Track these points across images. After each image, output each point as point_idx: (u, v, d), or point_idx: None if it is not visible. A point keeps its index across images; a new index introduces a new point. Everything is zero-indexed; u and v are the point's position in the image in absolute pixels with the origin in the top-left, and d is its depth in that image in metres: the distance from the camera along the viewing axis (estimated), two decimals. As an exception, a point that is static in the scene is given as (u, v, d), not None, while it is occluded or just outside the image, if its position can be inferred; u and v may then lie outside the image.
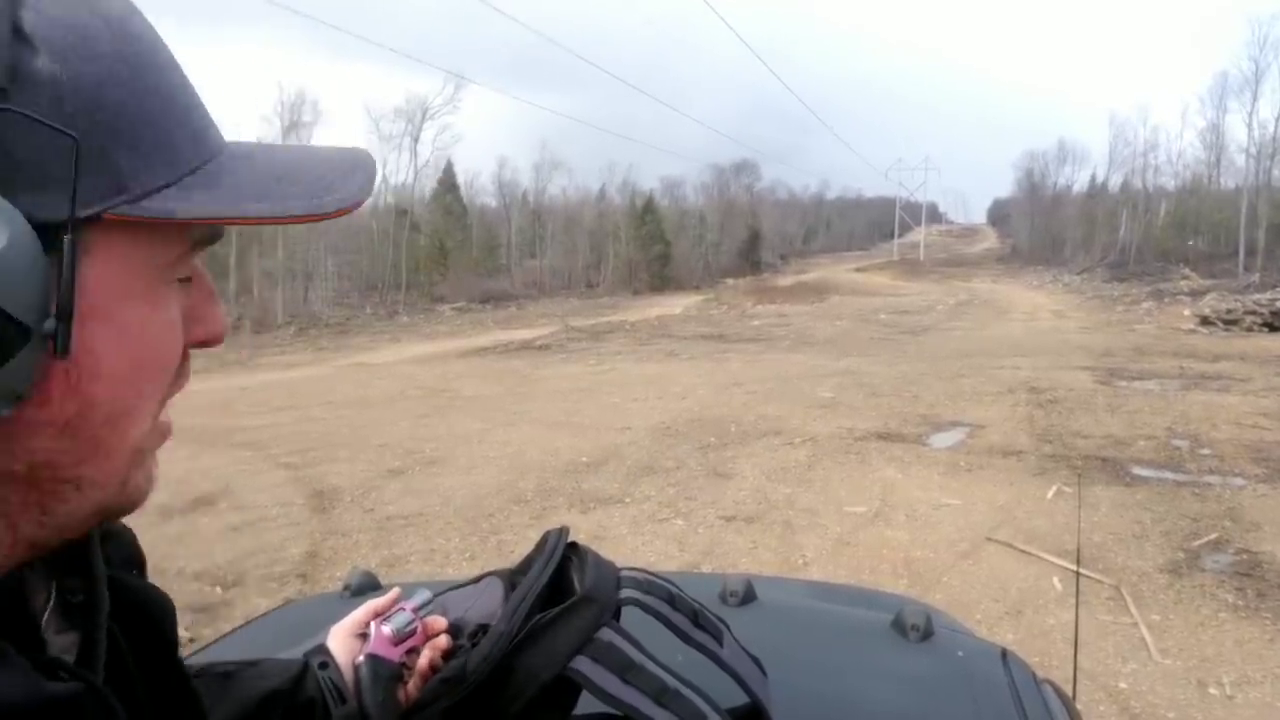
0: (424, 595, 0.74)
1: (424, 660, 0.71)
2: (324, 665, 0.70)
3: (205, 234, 0.41)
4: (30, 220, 0.32)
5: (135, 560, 0.52)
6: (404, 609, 0.72)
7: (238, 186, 0.39)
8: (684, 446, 7.11)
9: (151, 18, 0.40)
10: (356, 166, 0.42)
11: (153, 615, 0.50)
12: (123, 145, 0.36)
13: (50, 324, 0.33)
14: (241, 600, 4.16)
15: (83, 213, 0.34)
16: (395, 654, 0.70)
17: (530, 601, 0.68)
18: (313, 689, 0.67)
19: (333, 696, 0.68)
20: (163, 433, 0.42)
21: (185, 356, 0.42)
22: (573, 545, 0.75)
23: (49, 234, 0.33)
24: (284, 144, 0.45)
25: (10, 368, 0.33)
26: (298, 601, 1.68)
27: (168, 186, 0.37)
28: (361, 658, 0.69)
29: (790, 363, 12.70)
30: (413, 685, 0.70)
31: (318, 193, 0.40)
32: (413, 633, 0.71)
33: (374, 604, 0.74)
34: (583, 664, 0.64)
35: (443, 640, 0.72)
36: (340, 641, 0.72)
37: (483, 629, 0.69)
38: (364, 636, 0.71)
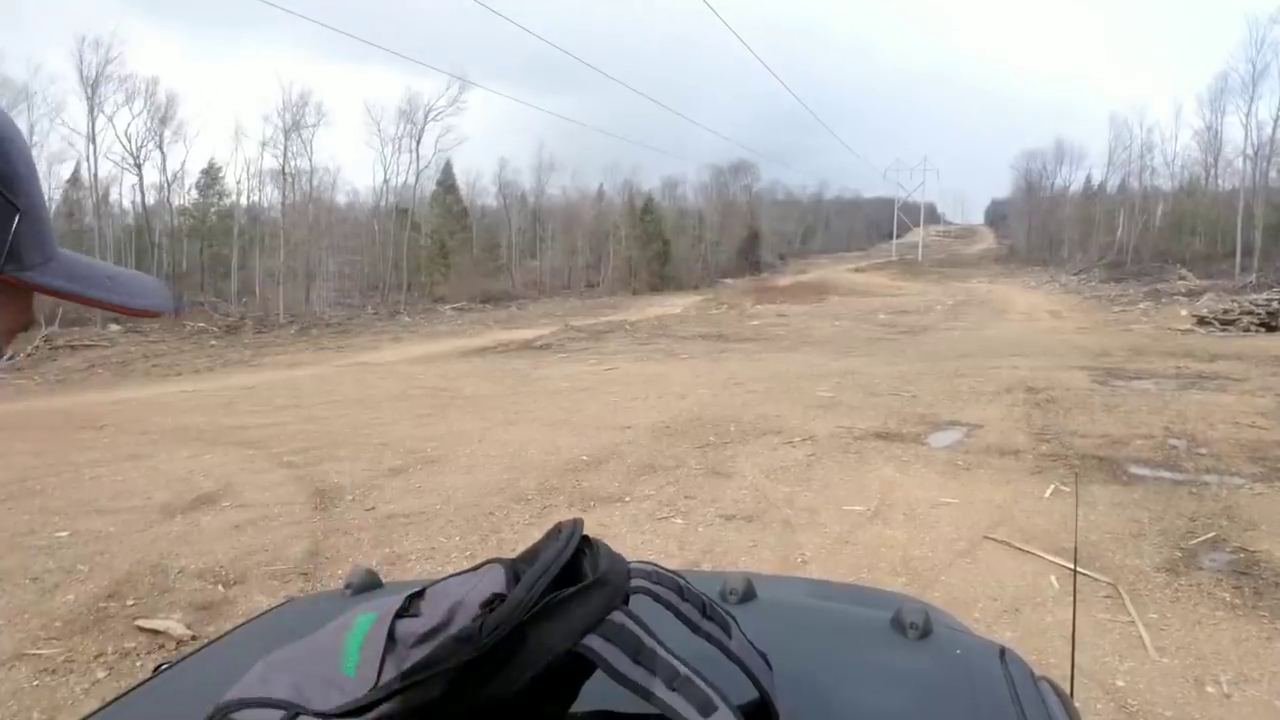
0: None
1: None
2: None
3: (28, 310, 0.51)
4: None
5: None
6: None
7: (86, 278, 0.51)
8: (684, 445, 7.12)
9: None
10: (159, 289, 0.55)
11: None
12: (27, 226, 0.46)
13: None
14: (243, 598, 4.17)
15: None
16: None
17: (547, 580, 0.69)
18: None
19: None
20: None
21: None
22: (585, 537, 0.76)
23: None
24: (95, 260, 0.56)
25: None
26: (299, 599, 1.68)
27: (43, 264, 0.48)
28: None
29: (789, 362, 12.71)
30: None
31: (137, 295, 0.53)
32: None
33: None
34: (595, 642, 0.65)
35: None
36: None
37: (499, 597, 0.70)
38: None
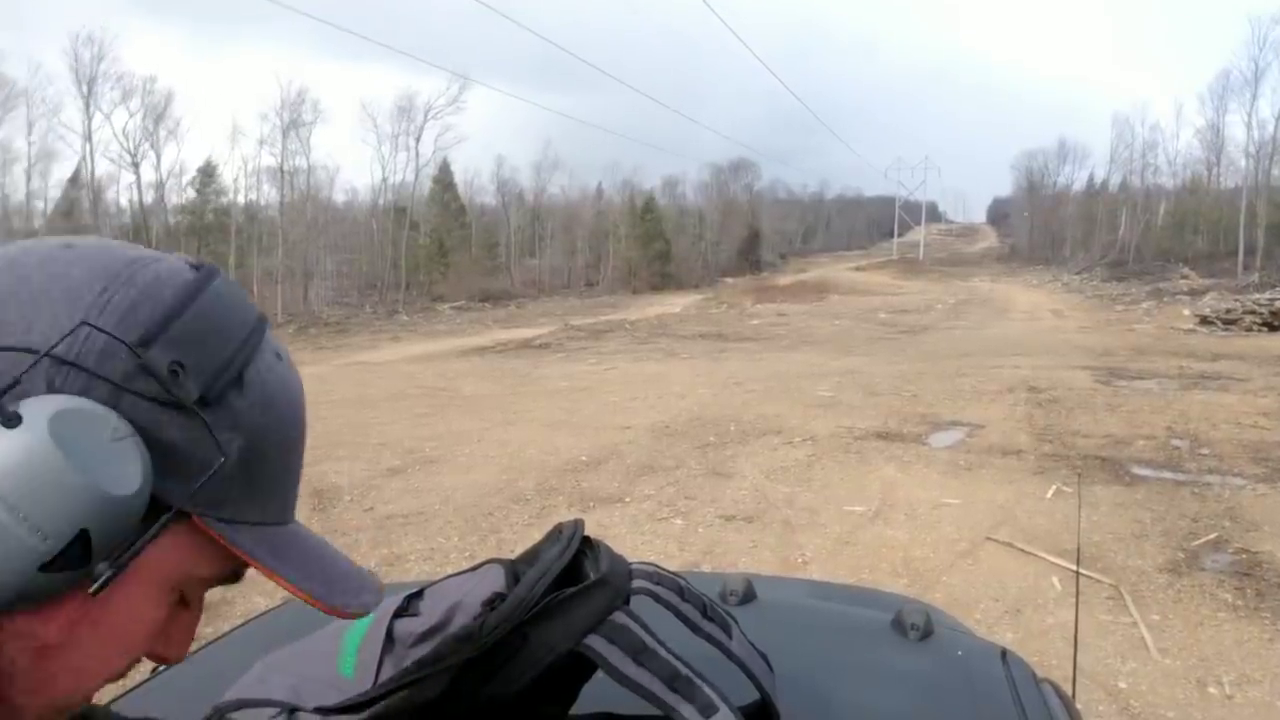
0: None
1: None
2: None
3: (229, 574, 0.47)
4: (152, 491, 0.40)
5: None
6: None
7: (285, 552, 0.46)
8: (683, 445, 7.11)
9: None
10: (371, 590, 0.50)
11: None
12: (243, 481, 0.43)
13: (104, 568, 0.39)
14: (242, 599, 4.15)
15: (188, 508, 0.41)
16: None
17: (549, 579, 0.68)
18: None
19: None
20: (67, 710, 0.45)
21: (138, 659, 0.46)
22: (586, 538, 0.76)
23: (154, 506, 0.40)
24: (337, 549, 0.52)
25: (54, 578, 0.38)
26: (298, 600, 1.68)
27: (250, 525, 0.45)
28: None
29: (789, 362, 12.70)
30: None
31: (338, 590, 0.48)
32: None
33: None
34: (596, 642, 0.65)
35: None
36: None
37: (500, 597, 0.69)
38: None
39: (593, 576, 0.69)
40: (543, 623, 0.66)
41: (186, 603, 0.47)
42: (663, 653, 0.66)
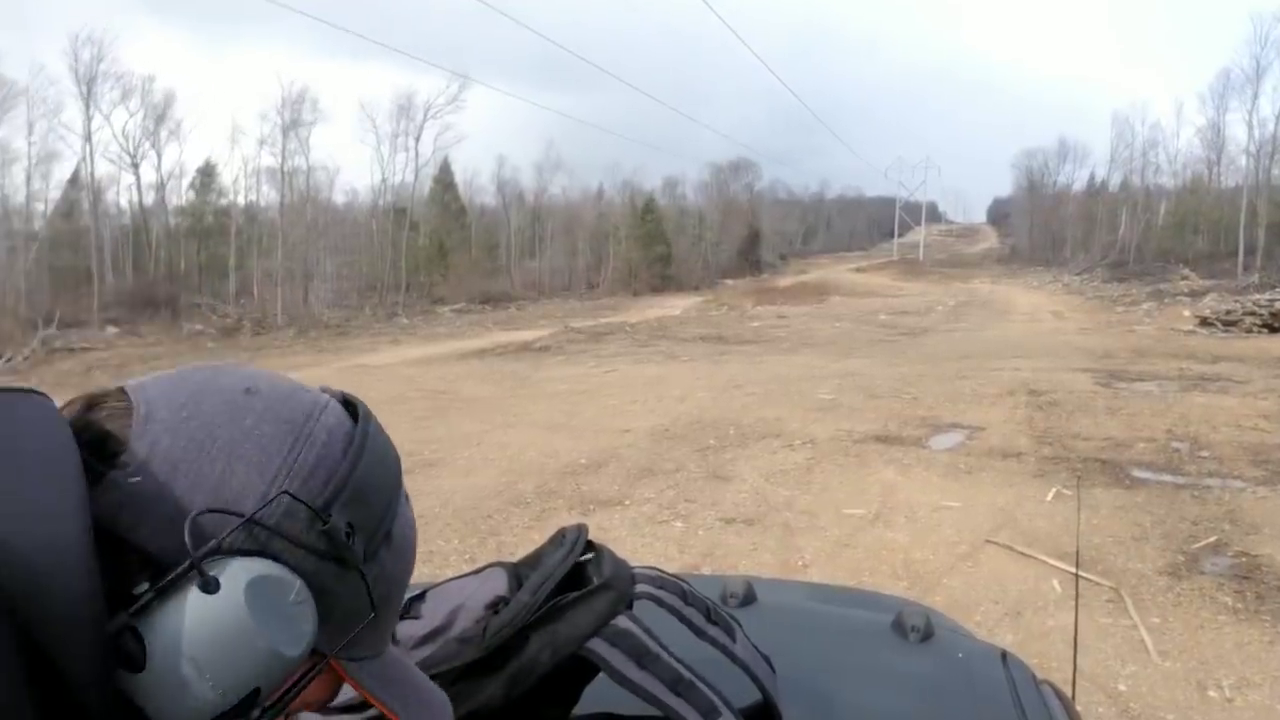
0: None
1: None
2: None
3: (335, 691, 0.51)
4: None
5: None
6: None
7: (389, 684, 0.50)
8: (683, 449, 7.11)
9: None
10: (442, 711, 0.54)
11: None
12: (373, 624, 0.46)
13: (258, 712, 0.41)
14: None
15: (336, 653, 0.45)
16: None
17: (553, 583, 0.68)
18: None
19: None
20: None
21: None
22: (589, 542, 0.76)
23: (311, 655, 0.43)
24: (409, 665, 0.55)
25: None
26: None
27: (369, 660, 0.49)
28: None
29: (789, 364, 12.70)
30: None
31: (423, 716, 0.51)
32: None
33: None
34: (599, 646, 0.65)
35: None
36: None
37: (503, 600, 0.69)
38: None
39: (596, 581, 0.69)
40: (546, 626, 0.66)
41: None
42: (665, 656, 0.66)
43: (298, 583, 0.41)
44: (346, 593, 0.43)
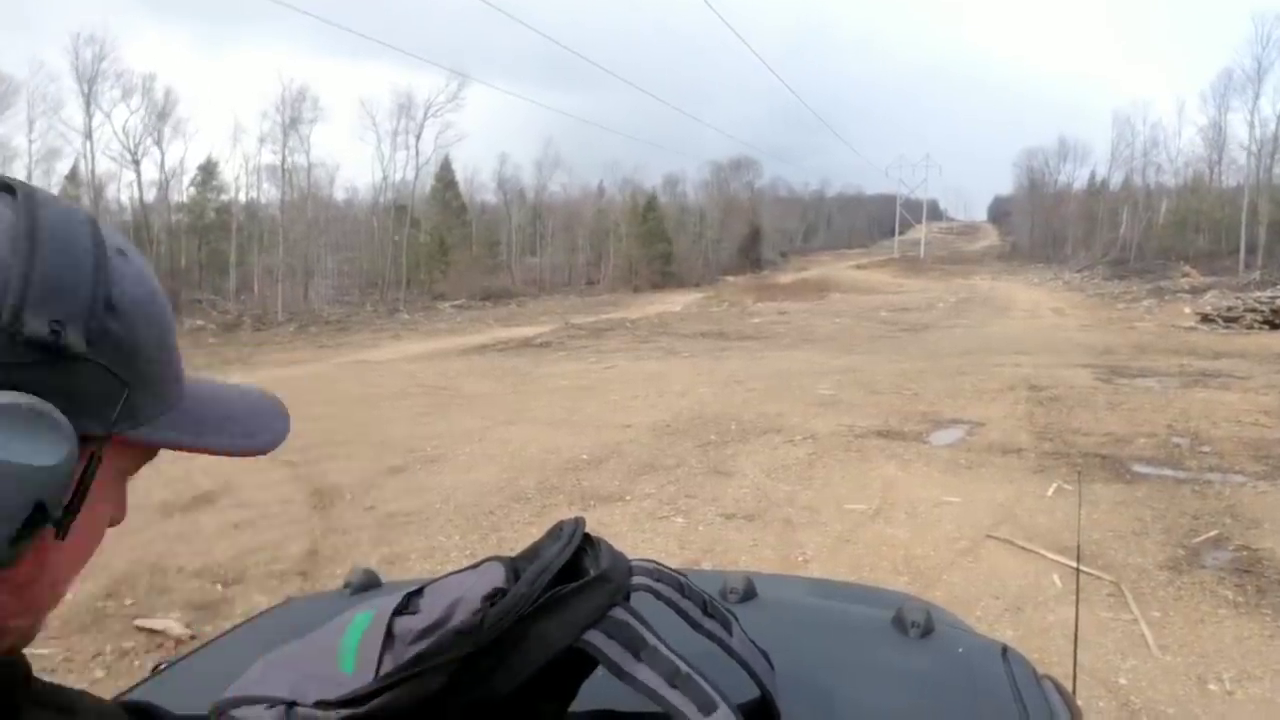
0: None
1: None
2: None
3: (155, 450, 0.50)
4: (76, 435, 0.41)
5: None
6: None
7: (201, 423, 0.50)
8: (684, 444, 7.11)
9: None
10: (277, 414, 0.55)
11: None
12: (143, 388, 0.45)
13: (58, 514, 0.41)
14: (242, 598, 4.17)
15: (112, 433, 0.43)
16: None
17: (550, 575, 0.69)
18: None
19: None
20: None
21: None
22: (586, 535, 0.76)
23: (83, 442, 0.41)
24: (226, 385, 0.55)
25: (23, 544, 0.40)
26: (298, 599, 1.68)
27: (158, 417, 0.47)
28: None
29: (790, 360, 12.70)
30: None
31: (254, 432, 0.52)
32: None
33: None
34: (596, 638, 0.65)
35: None
36: None
37: (500, 592, 0.69)
38: None
39: (593, 573, 0.69)
40: (543, 618, 0.66)
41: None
42: (663, 649, 0.66)
43: (22, 399, 0.39)
44: (87, 382, 0.42)
